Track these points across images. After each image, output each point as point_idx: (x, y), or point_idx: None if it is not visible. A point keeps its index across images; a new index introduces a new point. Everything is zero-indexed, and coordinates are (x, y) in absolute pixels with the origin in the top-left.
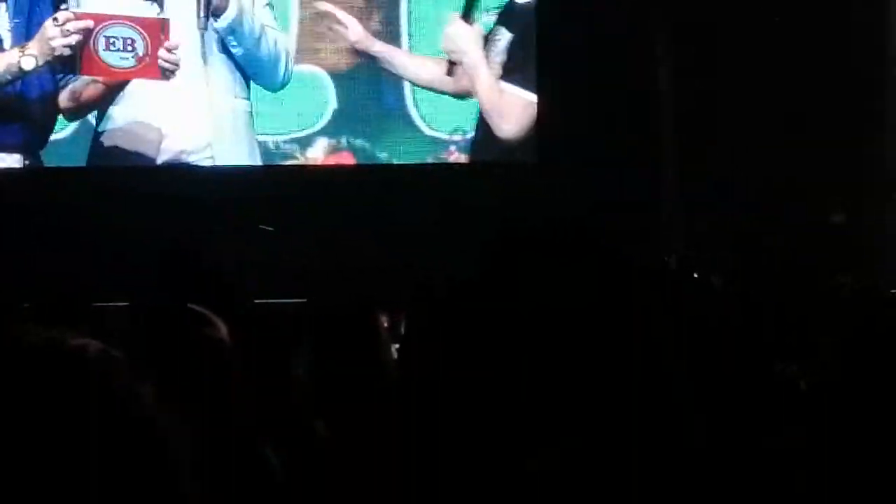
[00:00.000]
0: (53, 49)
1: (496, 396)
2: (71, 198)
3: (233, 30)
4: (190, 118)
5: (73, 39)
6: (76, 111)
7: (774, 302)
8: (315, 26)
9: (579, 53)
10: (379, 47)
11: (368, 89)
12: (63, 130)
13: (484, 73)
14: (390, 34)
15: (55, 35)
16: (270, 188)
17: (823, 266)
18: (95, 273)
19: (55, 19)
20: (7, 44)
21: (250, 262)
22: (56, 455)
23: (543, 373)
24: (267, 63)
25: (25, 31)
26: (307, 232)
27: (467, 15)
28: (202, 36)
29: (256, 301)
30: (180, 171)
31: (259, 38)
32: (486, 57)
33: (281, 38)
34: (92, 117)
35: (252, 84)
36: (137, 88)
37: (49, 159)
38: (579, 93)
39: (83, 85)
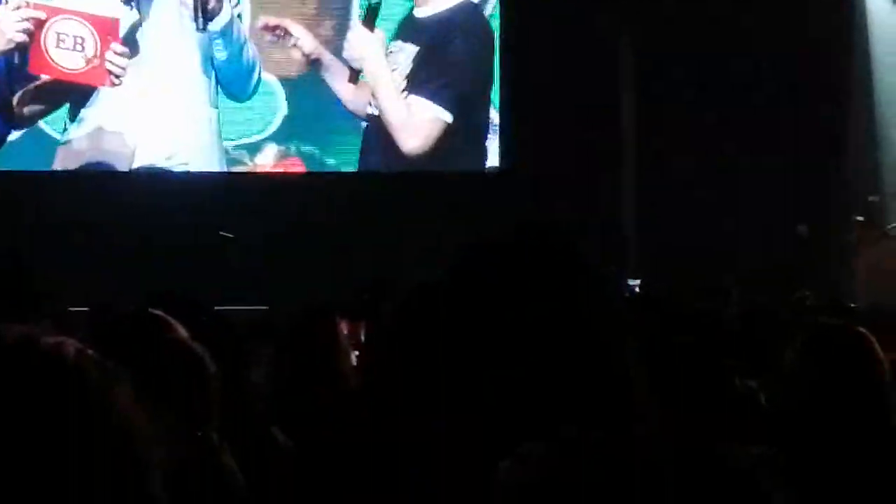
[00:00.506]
0: (5, 34)
1: (458, 402)
2: (28, 202)
3: (223, 34)
4: (166, 124)
5: (26, 26)
6: (29, 117)
7: (737, 317)
8: (267, 34)
9: (543, 69)
10: (328, 59)
11: (318, 96)
12: (14, 133)
13: (385, 82)
14: (340, 42)
15: (7, 19)
16: (230, 195)
17: (786, 282)
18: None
19: (7, 3)
20: None
21: (211, 268)
22: (30, 455)
23: (506, 378)
24: (244, 71)
25: None
26: (267, 238)
27: (368, 21)
28: (194, 42)
29: (216, 308)
30: (143, 178)
31: (243, 46)
32: (391, 69)
33: (255, 48)
34: (44, 123)
35: (219, 92)
36: (111, 92)
37: (2, 163)
38: (543, 104)
39: (34, 90)
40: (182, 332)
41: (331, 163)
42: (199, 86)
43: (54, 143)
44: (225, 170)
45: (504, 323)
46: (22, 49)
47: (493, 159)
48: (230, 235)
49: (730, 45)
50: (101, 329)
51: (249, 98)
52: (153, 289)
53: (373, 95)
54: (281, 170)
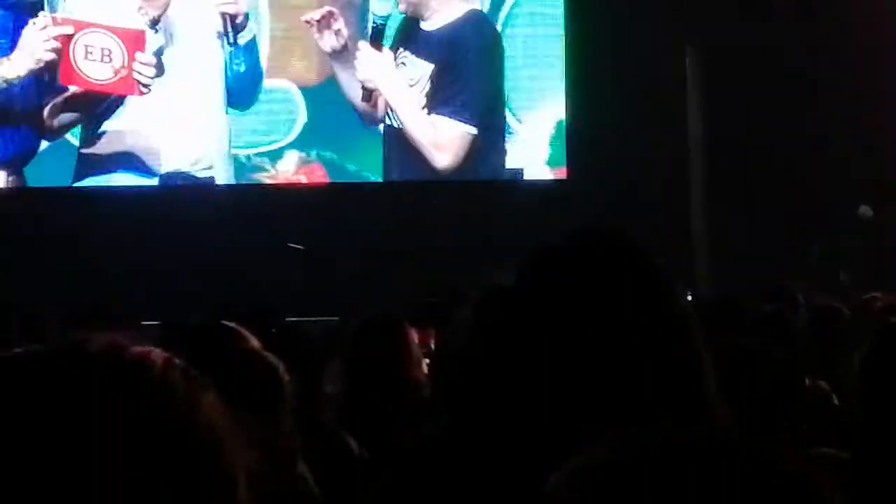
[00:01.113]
0: (34, 54)
1: (536, 413)
2: (58, 218)
3: (246, 48)
4: (189, 131)
5: (53, 45)
6: (58, 130)
7: (806, 319)
8: (286, 40)
9: (607, 72)
10: (349, 58)
11: (337, 103)
12: (43, 145)
13: (404, 101)
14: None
15: (35, 39)
16: (289, 206)
17: (857, 288)
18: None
19: (34, 23)
20: None
21: (281, 280)
22: (119, 467)
23: (586, 387)
24: (253, 82)
25: (9, 52)
26: (335, 249)
27: (375, 40)
28: (216, 55)
29: (288, 319)
30: (183, 190)
31: (258, 59)
32: (405, 86)
33: (269, 57)
34: (71, 136)
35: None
36: (136, 103)
37: (31, 175)
38: (608, 110)
39: (63, 102)
40: (254, 342)
41: (351, 168)
42: (218, 96)
43: (71, 155)
44: (233, 176)
45: (578, 326)
46: (51, 65)
47: (511, 162)
48: (300, 247)
49: (796, 51)
50: (174, 341)
51: (251, 107)
52: (222, 301)
53: (390, 110)
54: (303, 177)
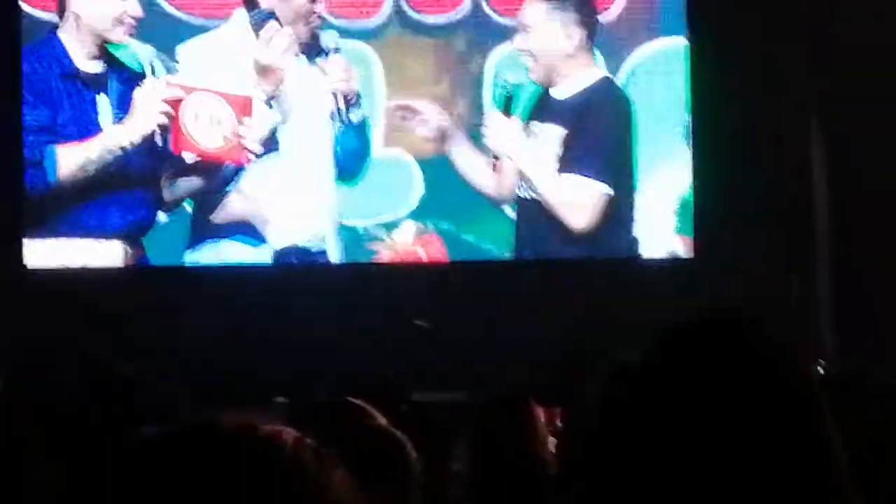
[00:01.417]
0: (147, 117)
1: (661, 496)
2: (177, 296)
3: (357, 126)
4: (302, 204)
5: (164, 108)
6: (175, 202)
7: None
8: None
9: (733, 149)
10: (457, 134)
11: (454, 174)
12: (161, 217)
13: (535, 165)
14: (475, 116)
15: (147, 102)
16: (411, 283)
17: None
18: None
19: (144, 85)
20: None
21: (406, 357)
22: None
23: (713, 471)
24: (363, 158)
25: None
26: (459, 327)
27: (506, 109)
28: (328, 131)
29: (415, 396)
30: (299, 267)
31: (368, 136)
32: (537, 151)
33: (386, 128)
34: (185, 203)
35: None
36: (248, 173)
37: (150, 246)
38: (734, 186)
39: (177, 173)
40: (381, 419)
41: (470, 240)
42: (329, 170)
43: (195, 218)
44: (362, 248)
45: (706, 411)
46: (163, 130)
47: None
48: (425, 324)
49: None
50: (303, 419)
51: (359, 181)
52: (347, 380)
53: (523, 179)
54: (420, 248)
